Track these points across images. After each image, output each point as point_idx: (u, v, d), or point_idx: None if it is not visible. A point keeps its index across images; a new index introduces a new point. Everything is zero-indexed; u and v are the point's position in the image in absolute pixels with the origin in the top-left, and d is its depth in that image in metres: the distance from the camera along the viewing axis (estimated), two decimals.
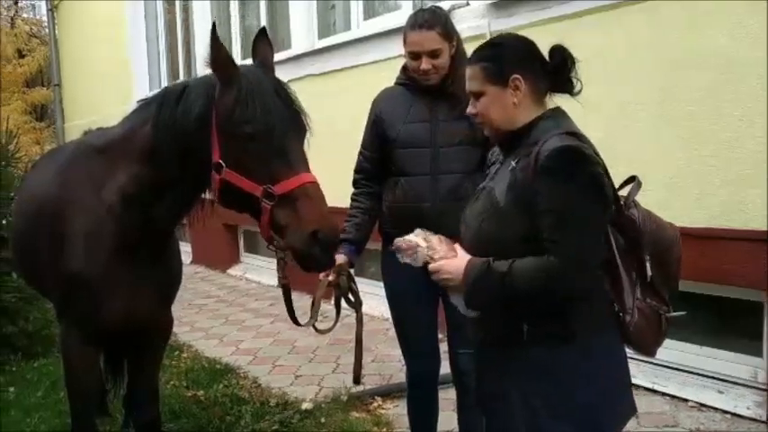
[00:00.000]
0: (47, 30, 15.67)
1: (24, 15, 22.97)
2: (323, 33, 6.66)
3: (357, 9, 6.24)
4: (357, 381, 2.69)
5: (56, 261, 2.55)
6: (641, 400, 3.73)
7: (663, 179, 3.67)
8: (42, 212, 2.68)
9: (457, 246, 1.87)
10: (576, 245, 1.68)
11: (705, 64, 3.53)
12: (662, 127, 3.75)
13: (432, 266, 1.85)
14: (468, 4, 4.79)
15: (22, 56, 17.60)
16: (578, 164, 1.70)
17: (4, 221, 4.93)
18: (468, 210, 1.93)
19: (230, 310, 6.53)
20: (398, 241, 1.94)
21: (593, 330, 1.79)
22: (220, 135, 2.17)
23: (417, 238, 1.90)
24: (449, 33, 2.61)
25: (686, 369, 3.83)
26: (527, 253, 1.71)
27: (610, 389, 1.85)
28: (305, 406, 3.89)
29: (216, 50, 2.15)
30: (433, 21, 2.60)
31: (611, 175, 1.80)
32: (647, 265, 1.82)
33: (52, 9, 13.40)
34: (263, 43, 2.35)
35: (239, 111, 2.12)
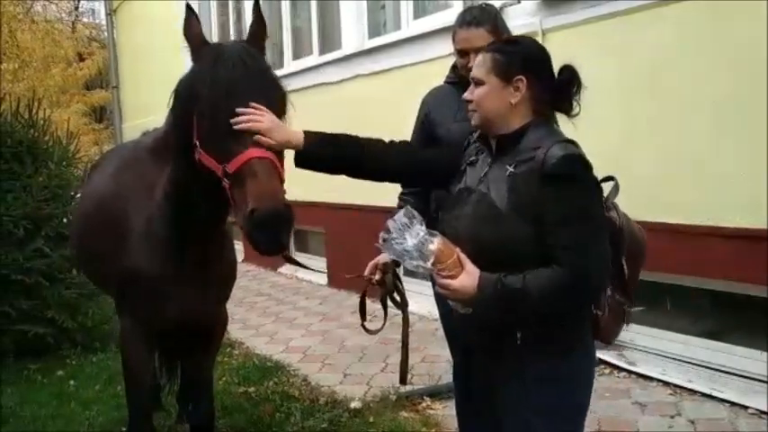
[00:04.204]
0: (106, 33, 16.13)
1: (84, 20, 23.78)
2: (373, 33, 6.68)
3: (407, 8, 6.22)
4: (404, 381, 2.68)
5: (113, 259, 2.62)
6: (698, 406, 3.63)
7: (718, 176, 3.57)
8: (100, 211, 2.76)
9: (464, 259, 1.75)
10: (590, 248, 1.69)
11: (764, 60, 3.40)
12: (716, 123, 3.63)
13: (441, 283, 1.75)
14: (519, 2, 4.72)
15: (82, 59, 18.11)
16: (586, 170, 1.74)
17: (65, 220, 5.10)
18: (457, 212, 1.86)
19: (280, 309, 6.60)
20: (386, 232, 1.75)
21: (585, 334, 1.85)
22: (196, 116, 2.05)
23: (409, 239, 1.73)
24: (498, 31, 2.58)
25: (746, 375, 3.71)
26: (530, 258, 1.70)
27: (591, 388, 1.91)
28: (354, 405, 3.90)
29: (186, 26, 2.06)
30: (482, 18, 2.57)
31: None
32: (624, 265, 1.85)
33: (111, 13, 13.82)
34: (254, 18, 2.20)
35: (192, 89, 2.05)
